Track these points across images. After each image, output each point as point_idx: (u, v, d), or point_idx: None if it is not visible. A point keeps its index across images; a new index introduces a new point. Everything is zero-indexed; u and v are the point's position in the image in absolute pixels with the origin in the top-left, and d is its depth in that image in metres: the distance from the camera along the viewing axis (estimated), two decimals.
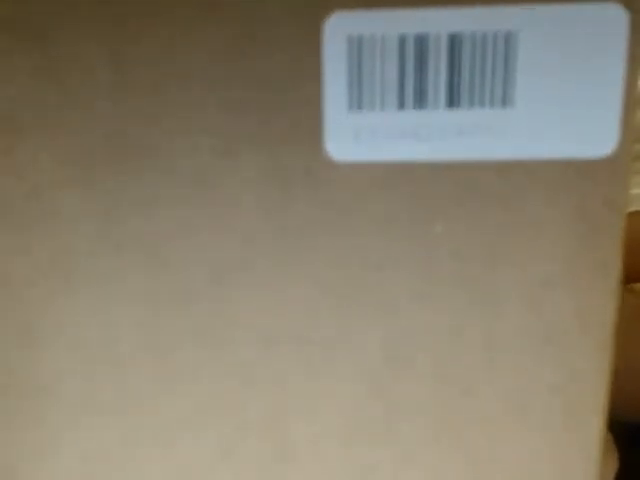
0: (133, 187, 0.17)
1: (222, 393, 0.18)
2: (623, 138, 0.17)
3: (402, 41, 0.16)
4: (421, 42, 0.16)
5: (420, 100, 0.17)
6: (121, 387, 0.18)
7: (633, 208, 0.59)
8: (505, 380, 0.18)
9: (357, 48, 0.16)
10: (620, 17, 0.16)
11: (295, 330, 0.18)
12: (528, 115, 0.17)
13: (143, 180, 0.17)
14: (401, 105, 0.17)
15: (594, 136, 0.17)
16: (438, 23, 0.16)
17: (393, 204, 0.17)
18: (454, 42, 0.16)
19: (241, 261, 0.17)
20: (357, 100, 0.17)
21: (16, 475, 0.19)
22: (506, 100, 0.17)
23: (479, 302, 0.18)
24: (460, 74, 0.17)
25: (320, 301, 0.18)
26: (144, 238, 0.17)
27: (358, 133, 0.17)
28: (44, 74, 0.16)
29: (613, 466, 0.27)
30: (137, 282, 0.18)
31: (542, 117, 0.17)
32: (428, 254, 0.17)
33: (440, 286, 0.18)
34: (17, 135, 0.17)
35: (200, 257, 0.17)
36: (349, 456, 0.19)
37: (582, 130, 0.17)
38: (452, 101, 0.17)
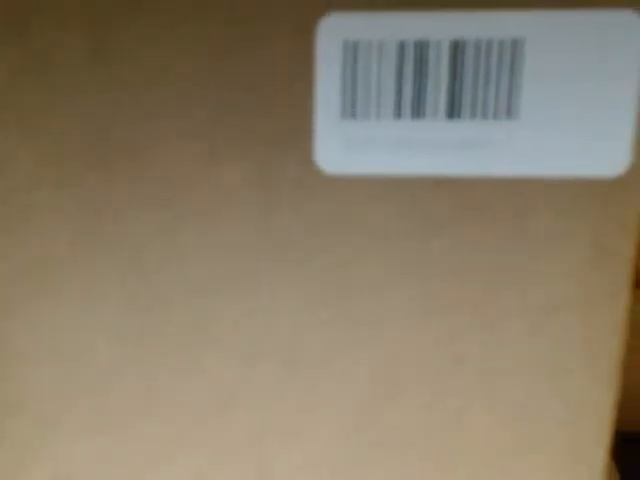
0: (113, 190, 0.16)
1: (198, 414, 0.17)
2: (636, 157, 0.16)
3: (401, 47, 0.15)
4: (421, 48, 0.15)
5: (418, 110, 0.16)
6: (96, 403, 0.17)
7: None
8: (504, 411, 0.17)
9: (353, 53, 0.15)
10: (636, 25, 0.15)
11: (277, 348, 0.17)
12: (534, 129, 0.16)
13: (123, 183, 0.16)
14: (398, 114, 0.16)
15: (605, 154, 0.16)
16: (440, 28, 0.15)
17: (386, 220, 0.16)
18: (457, 49, 0.15)
19: (223, 272, 0.16)
20: (351, 108, 0.16)
21: None
22: (511, 112, 0.15)
23: (478, 326, 0.16)
24: (462, 83, 0.15)
25: (306, 319, 0.17)
26: (123, 243, 0.16)
27: (350, 143, 0.16)
28: (24, 70, 0.16)
29: None
30: (114, 288, 0.17)
31: (549, 132, 0.16)
32: (423, 274, 0.16)
33: (436, 308, 0.16)
34: None
35: (179, 266, 0.16)
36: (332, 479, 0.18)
37: (592, 147, 0.16)
38: (453, 112, 0.16)
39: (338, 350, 0.17)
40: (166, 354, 0.17)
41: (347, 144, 0.16)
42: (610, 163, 0.16)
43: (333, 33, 0.15)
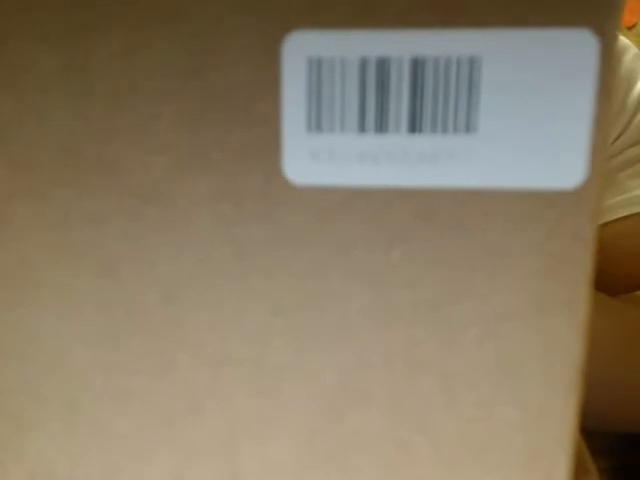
0: (85, 201, 0.17)
1: (171, 416, 0.18)
2: (592, 170, 0.16)
3: (363, 63, 0.16)
4: (383, 65, 0.16)
5: (381, 124, 0.16)
6: (69, 405, 0.18)
7: (635, 210, 0.57)
8: (463, 416, 0.17)
9: (317, 69, 0.16)
10: (591, 44, 0.16)
11: (246, 353, 0.17)
12: (492, 142, 0.16)
13: (95, 195, 0.17)
14: (362, 128, 0.16)
15: (561, 167, 0.16)
16: (401, 46, 0.16)
17: (351, 230, 0.17)
18: (417, 66, 0.16)
19: (192, 280, 0.17)
20: (316, 121, 0.16)
21: None
22: (469, 126, 0.16)
23: (437, 334, 0.17)
24: (422, 99, 0.16)
25: (273, 325, 0.17)
26: (96, 252, 0.17)
27: (316, 155, 0.16)
28: (0, 83, 0.16)
29: None
30: (88, 295, 0.17)
31: (506, 145, 0.16)
32: (385, 282, 0.17)
33: (397, 315, 0.17)
34: None
35: (151, 274, 0.17)
36: None
37: (548, 160, 0.16)
38: (414, 126, 0.16)
39: (304, 355, 0.17)
40: (139, 357, 0.18)
41: (313, 156, 0.16)
42: (566, 176, 0.16)
43: (297, 50, 0.16)
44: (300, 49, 0.16)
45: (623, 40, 0.63)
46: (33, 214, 0.17)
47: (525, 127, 0.16)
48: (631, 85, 0.61)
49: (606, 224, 0.58)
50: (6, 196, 0.17)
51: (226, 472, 0.18)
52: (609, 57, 0.16)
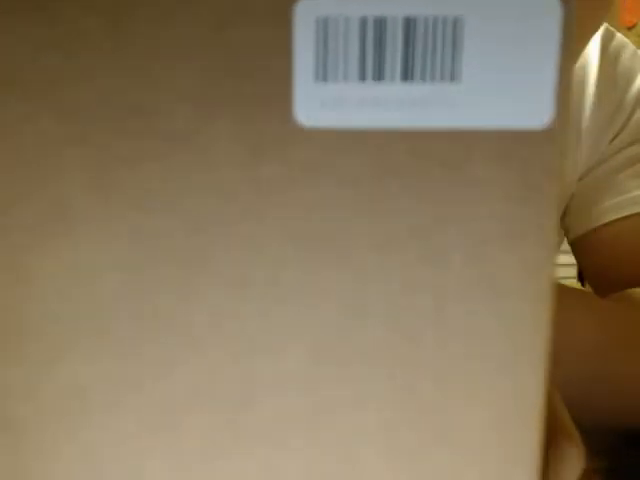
0: (120, 144, 0.19)
1: (194, 335, 0.20)
2: (558, 111, 0.19)
3: (363, 22, 0.19)
4: (380, 23, 0.19)
5: (379, 73, 0.19)
6: (101, 328, 0.21)
7: (635, 210, 0.58)
8: (450, 328, 0.20)
9: (323, 28, 0.19)
10: (555, 7, 0.19)
11: (262, 276, 0.20)
12: (473, 89, 0.19)
13: (128, 138, 0.19)
14: (362, 77, 0.19)
15: (531, 109, 0.19)
16: (395, 7, 0.19)
17: (354, 166, 0.19)
18: (409, 24, 0.19)
19: (214, 214, 0.20)
20: (323, 72, 0.19)
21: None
22: (454, 76, 0.19)
23: (428, 257, 0.20)
24: (414, 52, 0.19)
25: (287, 250, 0.20)
26: (128, 190, 0.20)
27: (324, 102, 0.19)
28: (48, 43, 0.19)
29: (578, 460, 0.25)
30: (122, 228, 0.20)
31: (485, 91, 0.19)
32: (385, 210, 0.20)
33: (393, 241, 0.20)
34: (21, 95, 0.20)
35: (177, 209, 0.20)
36: (310, 395, 0.21)
37: (520, 104, 0.19)
38: (407, 75, 0.19)
39: (312, 276, 0.20)
40: (166, 283, 0.20)
41: (321, 102, 0.19)
42: (535, 117, 0.19)
43: (307, 11, 0.19)
44: (309, 11, 0.19)
45: (621, 38, 0.64)
46: (75, 156, 0.20)
47: (501, 76, 0.19)
48: (629, 83, 0.61)
49: (606, 224, 0.59)
50: (55, 142, 0.20)
51: (244, 384, 0.21)
52: (570, 17, 0.19)
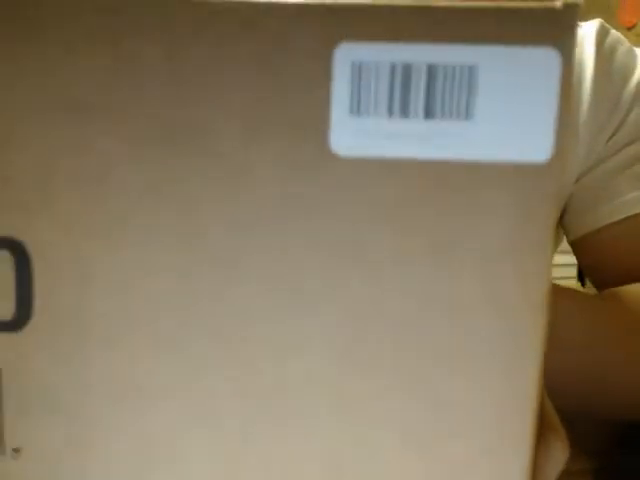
0: (171, 159, 0.23)
1: (229, 333, 0.23)
2: (557, 147, 0.22)
3: (393, 67, 0.22)
4: (406, 69, 0.22)
5: (404, 111, 0.22)
6: (152, 328, 0.23)
7: (633, 212, 0.58)
8: (462, 330, 0.23)
9: (358, 70, 0.22)
10: (555, 58, 0.22)
11: (288, 278, 0.23)
12: (485, 127, 0.22)
13: (179, 154, 0.23)
14: (390, 114, 0.22)
15: (534, 145, 0.22)
16: (420, 55, 0.22)
17: (381, 190, 0.23)
18: (431, 70, 0.22)
19: (252, 221, 0.23)
20: (356, 108, 0.22)
21: (57, 394, 0.24)
22: (469, 115, 0.22)
23: (444, 268, 0.23)
24: (435, 94, 0.22)
25: (311, 255, 0.23)
26: (178, 198, 0.23)
27: (356, 133, 0.22)
28: (113, 71, 0.22)
29: (563, 453, 0.27)
30: (170, 231, 0.23)
31: (496, 129, 0.22)
32: (408, 230, 0.23)
33: (413, 254, 0.23)
34: (88, 119, 0.23)
35: (220, 214, 0.23)
36: (342, 385, 0.24)
37: (525, 140, 0.22)
38: (428, 113, 0.22)
39: (335, 278, 0.23)
40: (208, 285, 0.23)
41: (354, 134, 0.22)
42: (538, 152, 0.22)
43: (345, 56, 0.22)
44: (347, 55, 0.22)
45: (615, 34, 0.62)
46: (130, 172, 0.23)
47: (509, 116, 0.22)
48: (625, 80, 0.60)
49: (605, 227, 0.59)
50: (111, 160, 0.23)
51: (276, 378, 0.24)
52: (568, 66, 0.22)
